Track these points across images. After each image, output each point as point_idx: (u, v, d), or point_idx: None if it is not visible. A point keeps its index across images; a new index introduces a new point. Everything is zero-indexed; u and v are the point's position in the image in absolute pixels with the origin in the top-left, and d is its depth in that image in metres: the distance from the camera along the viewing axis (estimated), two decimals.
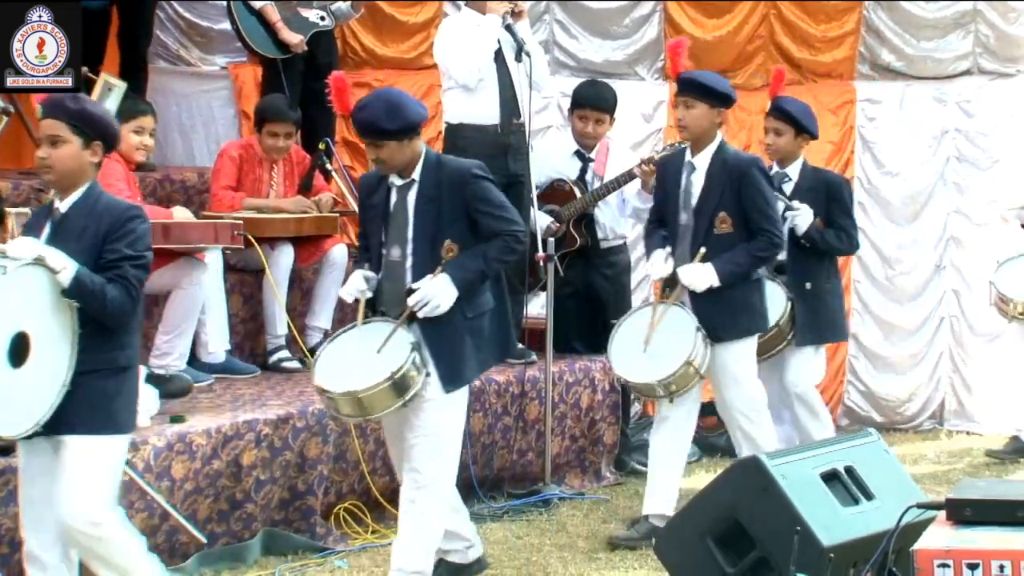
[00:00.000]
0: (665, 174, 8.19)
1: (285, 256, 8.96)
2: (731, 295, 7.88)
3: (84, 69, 7.57)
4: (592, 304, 9.59)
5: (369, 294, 6.83)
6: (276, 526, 7.79)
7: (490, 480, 8.77)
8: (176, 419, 7.53)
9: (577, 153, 9.63)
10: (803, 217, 8.45)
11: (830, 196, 8.57)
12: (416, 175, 6.75)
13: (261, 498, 7.67)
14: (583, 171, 9.59)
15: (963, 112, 10.99)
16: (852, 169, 11.03)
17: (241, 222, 8.48)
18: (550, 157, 9.57)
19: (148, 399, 7.55)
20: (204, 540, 7.25)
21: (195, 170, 10.05)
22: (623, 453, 9.67)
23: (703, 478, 8.79)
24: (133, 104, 8.21)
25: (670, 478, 8.09)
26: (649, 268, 8.24)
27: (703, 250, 7.82)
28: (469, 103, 8.97)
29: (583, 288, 9.52)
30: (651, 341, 7.89)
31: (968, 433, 10.85)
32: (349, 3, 9.84)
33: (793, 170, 8.62)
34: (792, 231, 8.46)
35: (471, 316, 6.75)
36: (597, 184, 9.47)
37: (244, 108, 10.37)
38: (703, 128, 7.90)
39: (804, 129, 8.57)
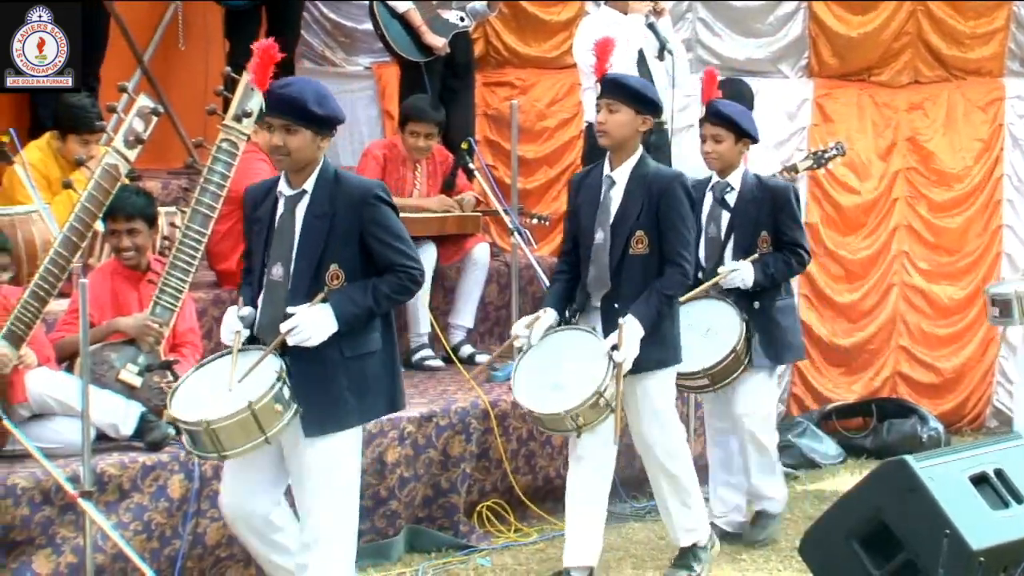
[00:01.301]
0: (580, 188, 7.26)
1: (428, 255, 8.99)
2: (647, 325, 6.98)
3: (227, 69, 7.65)
4: None
5: (246, 333, 5.99)
6: (420, 523, 7.83)
7: (633, 480, 8.73)
8: None
9: None
10: (743, 274, 7.74)
11: (776, 206, 7.81)
12: (309, 186, 5.97)
13: (405, 495, 7.71)
14: None
15: None
16: (1001, 167, 10.86)
17: None
18: (691, 156, 9.50)
19: None
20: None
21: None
22: None
23: (847, 480, 8.72)
24: None
25: (591, 525, 7.17)
26: (515, 328, 7.16)
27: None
28: None
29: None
30: (559, 370, 6.97)
31: None
32: (486, 2, 9.86)
33: (735, 179, 7.89)
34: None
35: (349, 355, 5.93)
36: None
37: (387, 108, 10.44)
38: (625, 136, 7.05)
39: (744, 133, 7.81)
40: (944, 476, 6.50)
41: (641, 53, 8.98)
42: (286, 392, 5.83)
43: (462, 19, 9.86)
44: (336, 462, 5.96)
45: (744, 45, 10.97)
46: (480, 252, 9.24)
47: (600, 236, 7.06)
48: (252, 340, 6.00)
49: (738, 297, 7.78)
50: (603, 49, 7.34)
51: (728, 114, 7.80)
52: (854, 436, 10.16)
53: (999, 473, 6.65)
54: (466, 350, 9.17)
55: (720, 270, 7.75)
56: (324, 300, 5.84)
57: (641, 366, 6.95)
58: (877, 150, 10.92)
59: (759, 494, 8.10)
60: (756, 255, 7.76)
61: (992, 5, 10.96)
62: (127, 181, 6.95)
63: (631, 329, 6.88)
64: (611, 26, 8.93)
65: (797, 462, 9.67)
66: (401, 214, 8.75)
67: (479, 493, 8.13)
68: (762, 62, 10.98)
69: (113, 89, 7.27)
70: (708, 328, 7.72)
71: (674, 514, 7.33)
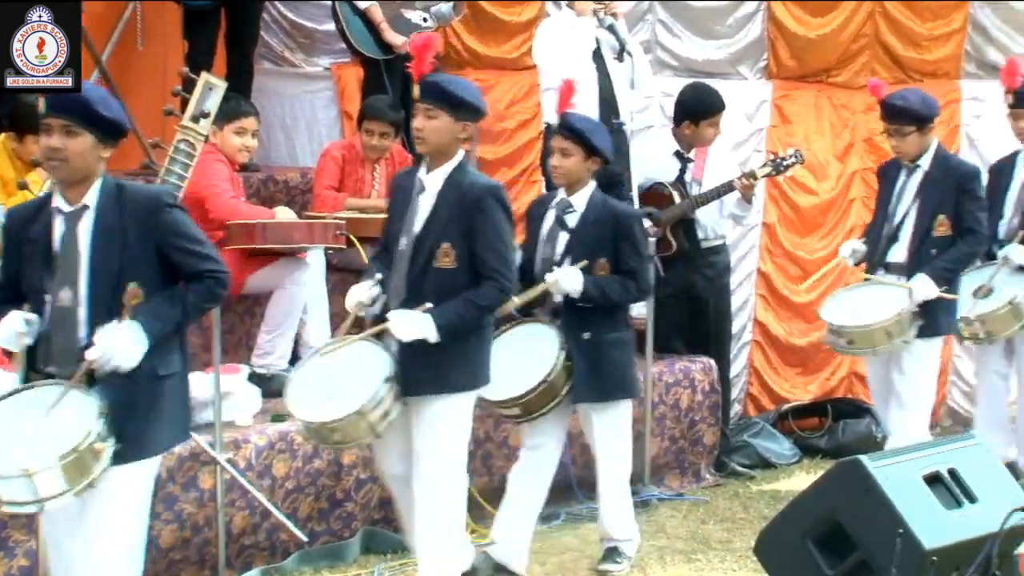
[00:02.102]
0: (396, 189, 6.80)
1: None
2: (442, 344, 6.43)
3: (184, 70, 7.64)
4: (693, 304, 9.54)
5: (29, 341, 5.48)
6: (376, 525, 7.83)
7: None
8: (277, 418, 7.59)
9: (676, 154, 9.61)
10: (568, 280, 7.13)
11: (620, 234, 7.22)
12: (91, 200, 5.52)
13: (361, 497, 7.71)
14: (682, 172, 9.57)
15: None
16: None
17: (343, 222, 8.51)
18: (649, 157, 9.54)
19: (250, 398, 7.62)
20: (305, 539, 7.31)
21: (298, 170, 10.11)
22: (723, 454, 9.63)
23: (803, 480, 8.76)
24: (236, 105, 8.27)
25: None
26: (348, 298, 6.70)
27: (429, 304, 6.41)
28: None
29: (684, 288, 9.46)
30: (337, 379, 6.54)
31: None
32: (451, 4, 9.87)
33: (580, 199, 7.30)
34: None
35: (163, 375, 5.51)
36: (696, 187, 9.45)
37: (347, 109, 10.43)
38: (442, 142, 6.50)
39: (594, 151, 7.28)
40: (898, 476, 6.53)
41: (600, 54, 9.00)
42: (104, 430, 5.28)
43: (425, 20, 9.86)
44: (141, 491, 5.51)
45: (703, 47, 11.01)
46: None
47: (404, 243, 6.55)
48: (32, 364, 5.50)
49: (569, 326, 7.20)
50: (421, 49, 6.88)
51: (580, 128, 7.31)
52: (809, 436, 10.21)
53: (952, 473, 6.68)
54: None
55: (547, 277, 7.18)
56: (130, 318, 5.37)
57: (437, 386, 6.43)
58: (835, 151, 10.98)
59: (609, 535, 7.73)
60: (584, 262, 7.20)
61: (949, 7, 11.02)
62: None
63: (408, 321, 6.36)
64: (568, 28, 8.98)
65: (753, 462, 9.72)
66: (359, 214, 8.88)
67: None
68: (721, 63, 11.02)
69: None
70: (525, 354, 7.09)
71: (420, 555, 6.69)
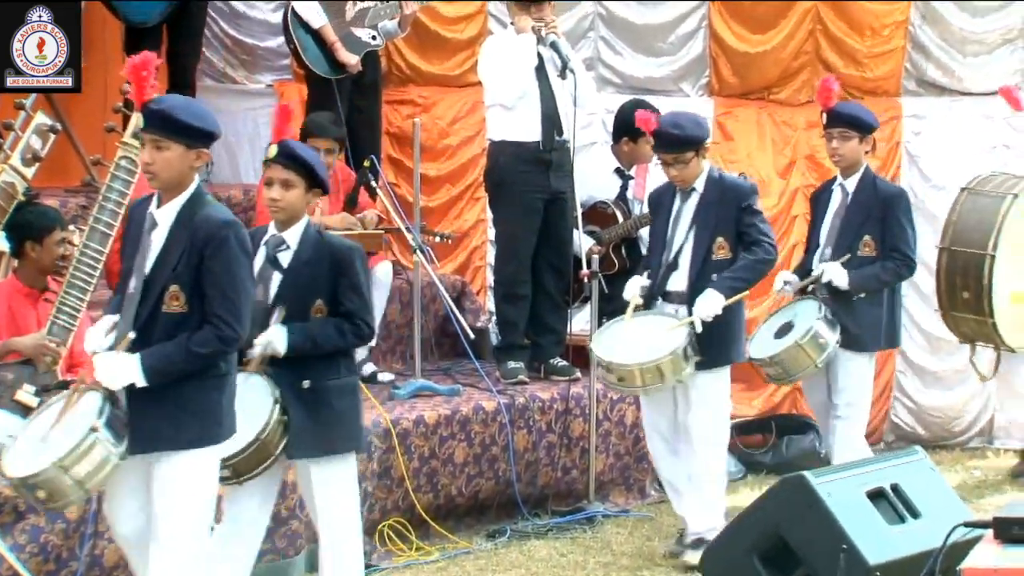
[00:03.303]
0: (131, 219, 6.09)
1: None
2: (178, 394, 5.77)
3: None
4: None
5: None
6: None
7: (534, 497, 8.77)
8: None
9: (617, 171, 9.65)
10: (278, 340, 6.35)
11: (338, 270, 6.46)
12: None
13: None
14: (623, 189, 9.61)
15: (1010, 127, 10.92)
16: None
17: None
18: (590, 175, 9.57)
19: None
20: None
21: (241, 187, 10.09)
22: None
23: (748, 496, 8.76)
24: None
25: None
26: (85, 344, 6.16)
27: (132, 335, 5.77)
28: (510, 120, 9.01)
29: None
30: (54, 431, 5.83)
31: (1017, 451, 10.75)
32: (396, 21, 9.87)
33: (293, 235, 6.51)
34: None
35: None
36: (637, 205, 9.49)
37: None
38: (175, 175, 5.85)
39: (318, 182, 6.53)
40: (841, 492, 6.57)
41: (543, 71, 9.02)
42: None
43: (374, 38, 9.87)
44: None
45: (645, 64, 11.04)
46: (382, 270, 9.23)
47: (133, 285, 5.86)
48: None
49: (285, 374, 6.38)
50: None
51: (304, 158, 6.55)
52: (754, 452, 10.23)
53: (895, 488, 6.73)
54: (368, 368, 9.14)
55: (258, 339, 6.31)
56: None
57: (171, 441, 5.77)
58: (777, 168, 11.02)
59: None
60: (282, 311, 6.42)
61: (890, 24, 11.08)
62: (23, 199, 6.87)
63: (111, 364, 5.74)
64: (511, 46, 8.99)
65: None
66: None
67: (380, 512, 8.11)
68: (663, 80, 11.05)
69: (10, 106, 7.20)
70: (242, 407, 6.14)
71: None
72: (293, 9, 9.72)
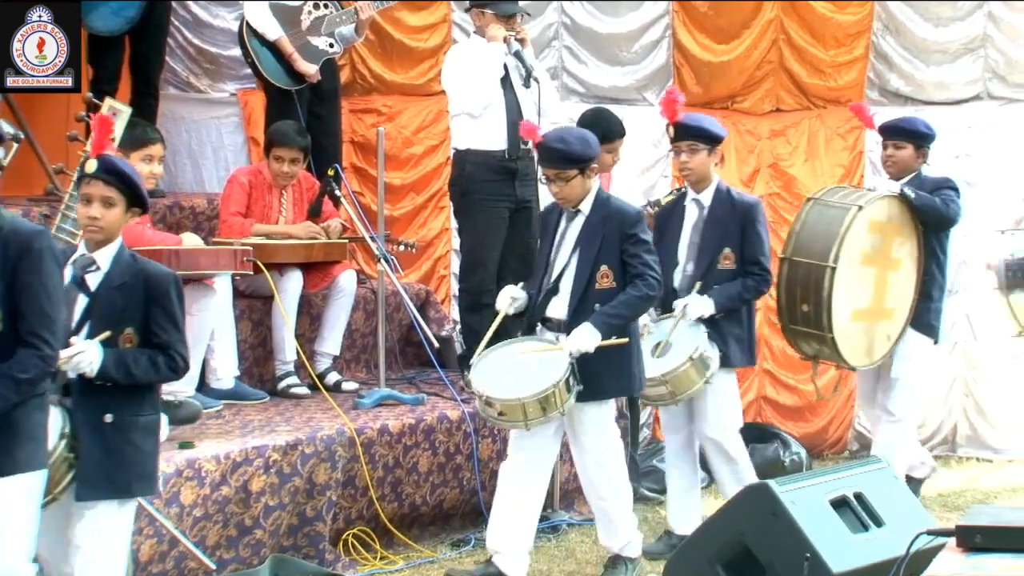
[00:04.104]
0: None
1: (294, 282, 8.96)
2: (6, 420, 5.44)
3: (89, 95, 7.59)
4: None
5: None
6: (285, 552, 7.78)
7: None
8: (185, 445, 7.54)
9: None
10: (88, 357, 5.79)
11: (151, 296, 5.94)
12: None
13: (270, 524, 7.66)
14: None
15: (972, 137, 10.97)
16: None
17: (250, 248, 8.49)
18: None
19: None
20: (213, 567, 7.24)
21: (204, 196, 10.07)
22: (632, 479, 9.58)
23: (711, 504, 8.75)
24: (143, 133, 8.19)
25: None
26: None
27: None
28: (475, 129, 9.02)
29: None
30: None
31: (979, 459, 10.80)
32: (353, 27, 9.86)
33: (105, 256, 5.98)
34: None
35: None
36: None
37: (253, 134, 10.40)
38: None
39: (138, 200, 6.07)
40: (805, 500, 6.59)
41: (508, 80, 9.04)
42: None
43: (331, 45, 9.85)
44: None
45: (609, 73, 11.07)
46: (346, 279, 9.22)
47: None
48: None
49: (85, 405, 5.85)
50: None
51: (127, 175, 6.07)
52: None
53: (859, 497, 6.76)
54: (332, 377, 9.15)
55: (61, 354, 5.69)
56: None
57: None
58: (741, 176, 11.04)
59: None
60: (107, 333, 5.87)
61: (852, 34, 11.12)
62: None
63: None
64: (477, 55, 9.00)
65: (661, 487, 9.69)
66: (267, 240, 8.85)
67: (345, 521, 8.10)
68: (627, 90, 11.07)
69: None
70: None
71: None
72: (247, 21, 9.69)
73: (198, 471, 7.35)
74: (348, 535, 8.09)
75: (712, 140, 8.31)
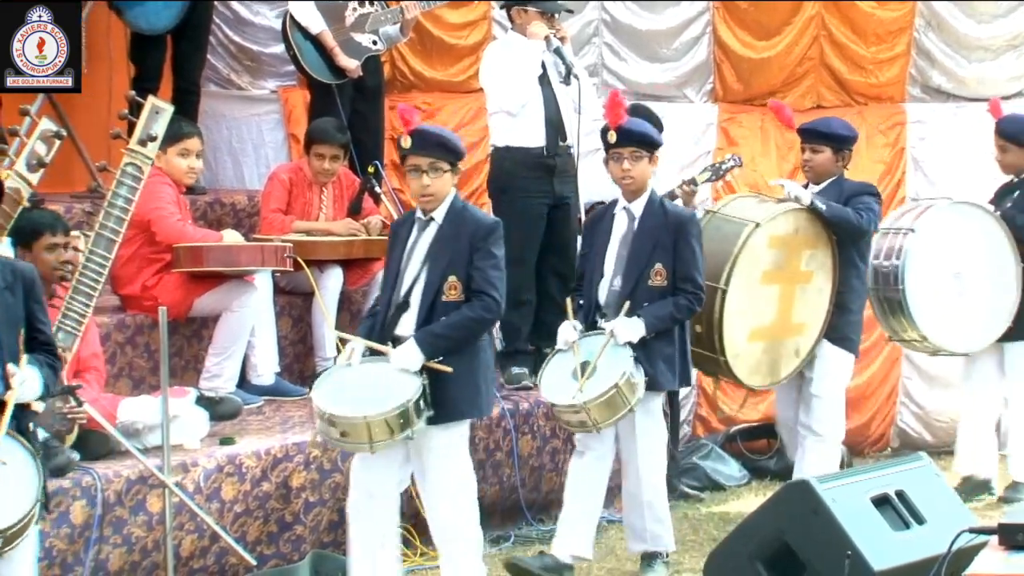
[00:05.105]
0: None
1: (334, 279, 8.97)
2: None
3: (131, 93, 7.62)
4: None
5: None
6: (325, 548, 7.79)
7: (538, 503, 8.76)
8: (226, 441, 7.56)
9: None
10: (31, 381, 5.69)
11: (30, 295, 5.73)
12: None
13: (310, 520, 7.68)
14: None
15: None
16: (904, 189, 10.97)
17: (291, 245, 8.50)
18: (596, 180, 9.55)
19: (198, 421, 7.59)
20: (253, 562, 7.27)
21: (245, 193, 10.09)
22: (672, 475, 9.59)
23: (752, 502, 8.76)
24: (178, 127, 8.19)
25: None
26: None
27: None
28: (514, 126, 9.02)
29: None
30: None
31: None
32: (398, 26, 9.88)
33: None
34: None
35: None
36: None
37: (293, 131, 10.41)
38: None
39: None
40: (846, 498, 6.58)
41: (546, 78, 9.04)
42: None
43: (375, 43, 9.87)
44: None
45: (649, 70, 11.05)
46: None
47: None
48: None
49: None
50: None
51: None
52: (758, 458, 10.23)
53: (900, 495, 6.74)
54: None
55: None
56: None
57: None
58: (780, 173, 11.00)
59: None
60: None
61: (894, 30, 11.09)
62: (28, 205, 6.88)
63: None
64: (515, 52, 9.00)
65: (702, 484, 9.73)
66: (307, 237, 8.87)
67: None
68: (667, 87, 11.06)
69: (15, 112, 7.20)
70: None
71: None
72: (291, 15, 9.72)
73: (239, 467, 7.37)
74: None
75: (654, 147, 7.82)
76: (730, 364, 8.31)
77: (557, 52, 9.02)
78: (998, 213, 9.14)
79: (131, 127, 7.25)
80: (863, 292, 8.74)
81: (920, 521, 6.66)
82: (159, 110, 7.16)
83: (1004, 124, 9.44)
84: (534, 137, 9.03)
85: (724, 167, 9.28)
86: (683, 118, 10.71)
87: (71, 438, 6.92)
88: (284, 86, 10.68)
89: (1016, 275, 9.09)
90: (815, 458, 8.59)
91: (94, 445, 7.09)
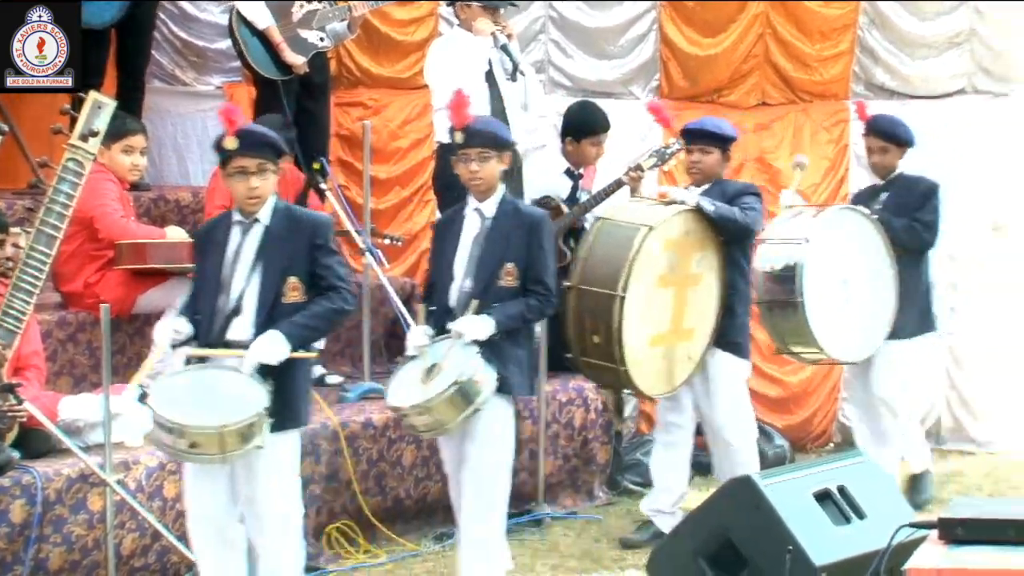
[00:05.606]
0: None
1: None
2: None
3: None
4: None
5: None
6: None
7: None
8: None
9: (567, 172, 9.65)
10: None
11: None
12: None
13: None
14: (574, 189, 9.61)
15: (957, 131, 10.97)
16: (847, 185, 11.01)
17: None
18: (542, 176, 9.58)
19: (140, 419, 7.54)
20: (195, 560, 7.23)
21: (189, 189, 10.07)
22: (616, 472, 9.66)
23: (695, 498, 8.76)
24: (122, 123, 8.16)
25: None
26: None
27: None
28: None
29: None
30: None
31: (962, 452, 10.82)
32: (345, 23, 9.86)
33: None
34: None
35: None
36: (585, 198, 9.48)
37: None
38: None
39: None
40: (788, 493, 6.60)
41: (492, 75, 9.03)
42: None
43: (322, 39, 9.85)
44: None
45: (596, 67, 11.07)
46: None
47: None
48: None
49: None
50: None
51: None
52: (701, 454, 10.21)
53: (842, 489, 6.76)
54: (316, 371, 9.11)
55: None
56: None
57: None
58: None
59: None
60: None
61: (838, 28, 11.13)
62: None
63: None
64: (460, 49, 9.00)
65: (645, 480, 9.70)
66: None
67: (328, 514, 8.09)
68: (613, 84, 11.08)
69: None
70: None
71: None
72: (237, 10, 9.70)
73: (181, 465, 7.33)
74: (331, 529, 8.09)
75: (503, 147, 7.41)
76: (630, 373, 8.06)
77: (504, 49, 9.03)
78: (875, 217, 8.96)
79: (73, 122, 7.21)
80: (748, 294, 8.59)
81: (861, 516, 6.68)
82: (101, 105, 7.12)
83: (883, 125, 9.29)
84: None
85: (669, 151, 9.27)
86: (630, 115, 10.71)
87: (11, 436, 6.90)
88: (229, 82, 10.67)
89: (893, 279, 8.99)
90: (728, 467, 8.45)
91: (34, 443, 7.06)
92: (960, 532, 5.02)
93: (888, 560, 5.42)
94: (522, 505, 8.91)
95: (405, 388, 7.09)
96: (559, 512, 9.02)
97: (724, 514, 6.66)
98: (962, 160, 10.88)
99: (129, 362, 8.42)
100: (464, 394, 6.98)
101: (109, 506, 6.99)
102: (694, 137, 8.62)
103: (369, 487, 8.24)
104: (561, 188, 9.64)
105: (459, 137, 7.37)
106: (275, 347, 6.43)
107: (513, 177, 8.96)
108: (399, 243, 9.64)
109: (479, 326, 7.11)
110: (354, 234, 8.92)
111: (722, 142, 8.58)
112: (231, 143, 6.58)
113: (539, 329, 8.89)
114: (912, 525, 5.40)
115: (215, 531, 6.58)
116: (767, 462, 9.39)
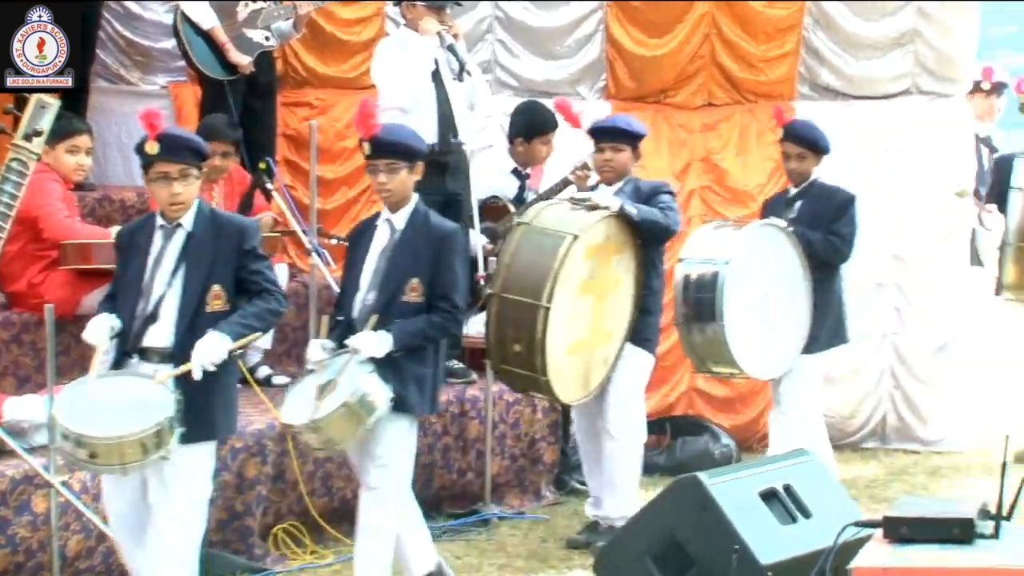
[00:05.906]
0: None
1: None
2: None
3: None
4: None
5: None
6: (214, 547, 7.73)
7: (429, 500, 8.73)
8: None
9: (515, 171, 9.66)
10: None
11: None
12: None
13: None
14: (521, 189, 9.63)
15: (902, 131, 11.03)
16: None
17: None
18: (488, 176, 9.59)
19: None
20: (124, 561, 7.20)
21: (134, 189, 10.00)
22: (563, 472, 9.67)
23: (642, 497, 8.78)
24: (67, 123, 8.12)
25: None
26: None
27: None
28: (406, 123, 8.97)
29: None
30: None
31: (907, 451, 10.89)
32: (291, 22, 9.85)
33: None
34: None
35: None
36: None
37: (184, 127, 10.32)
38: None
39: None
40: (734, 492, 6.62)
41: (438, 75, 9.03)
42: None
43: (267, 39, 9.83)
44: None
45: (542, 67, 11.08)
46: (278, 273, 9.15)
47: None
48: None
49: None
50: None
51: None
52: (648, 453, 10.24)
53: (788, 489, 6.79)
54: (263, 371, 9.12)
55: None
56: None
57: None
58: (672, 170, 11.07)
59: None
60: None
61: (783, 28, 11.17)
62: None
63: None
64: (407, 48, 8.99)
65: None
66: None
67: (275, 515, 8.07)
68: (560, 83, 11.08)
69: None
70: None
71: None
72: (182, 10, 9.66)
73: None
74: (278, 530, 8.07)
75: (412, 157, 7.19)
76: (551, 383, 7.97)
77: (450, 49, 9.02)
78: (790, 229, 8.88)
79: (16, 122, 7.17)
80: (662, 293, 8.60)
81: (807, 515, 6.71)
82: (45, 105, 7.08)
83: (801, 132, 9.21)
84: (426, 134, 8.96)
85: None
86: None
87: None
88: (175, 82, 10.63)
89: (808, 293, 8.98)
90: (616, 464, 8.46)
91: None
92: (905, 531, 5.05)
93: (834, 559, 5.45)
94: (469, 505, 8.92)
95: (299, 404, 6.91)
96: (506, 512, 9.03)
97: (670, 514, 6.68)
98: (906, 161, 10.95)
99: (74, 363, 8.35)
100: (355, 413, 6.77)
101: (54, 508, 6.95)
102: (605, 135, 8.60)
103: (316, 488, 8.22)
104: (508, 188, 9.66)
105: (366, 148, 7.17)
106: (219, 345, 6.32)
107: (460, 178, 9.00)
108: (346, 243, 9.60)
109: (375, 343, 6.90)
110: (300, 234, 8.91)
111: (633, 139, 8.56)
112: (152, 148, 6.42)
113: (481, 328, 8.90)
114: (857, 524, 5.42)
115: (133, 532, 6.48)
116: (714, 461, 9.43)
